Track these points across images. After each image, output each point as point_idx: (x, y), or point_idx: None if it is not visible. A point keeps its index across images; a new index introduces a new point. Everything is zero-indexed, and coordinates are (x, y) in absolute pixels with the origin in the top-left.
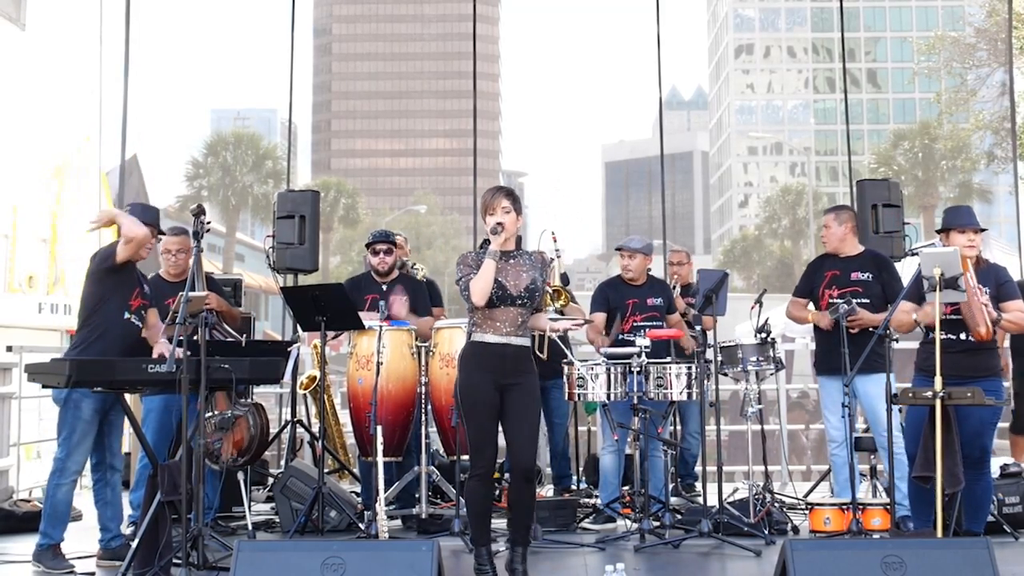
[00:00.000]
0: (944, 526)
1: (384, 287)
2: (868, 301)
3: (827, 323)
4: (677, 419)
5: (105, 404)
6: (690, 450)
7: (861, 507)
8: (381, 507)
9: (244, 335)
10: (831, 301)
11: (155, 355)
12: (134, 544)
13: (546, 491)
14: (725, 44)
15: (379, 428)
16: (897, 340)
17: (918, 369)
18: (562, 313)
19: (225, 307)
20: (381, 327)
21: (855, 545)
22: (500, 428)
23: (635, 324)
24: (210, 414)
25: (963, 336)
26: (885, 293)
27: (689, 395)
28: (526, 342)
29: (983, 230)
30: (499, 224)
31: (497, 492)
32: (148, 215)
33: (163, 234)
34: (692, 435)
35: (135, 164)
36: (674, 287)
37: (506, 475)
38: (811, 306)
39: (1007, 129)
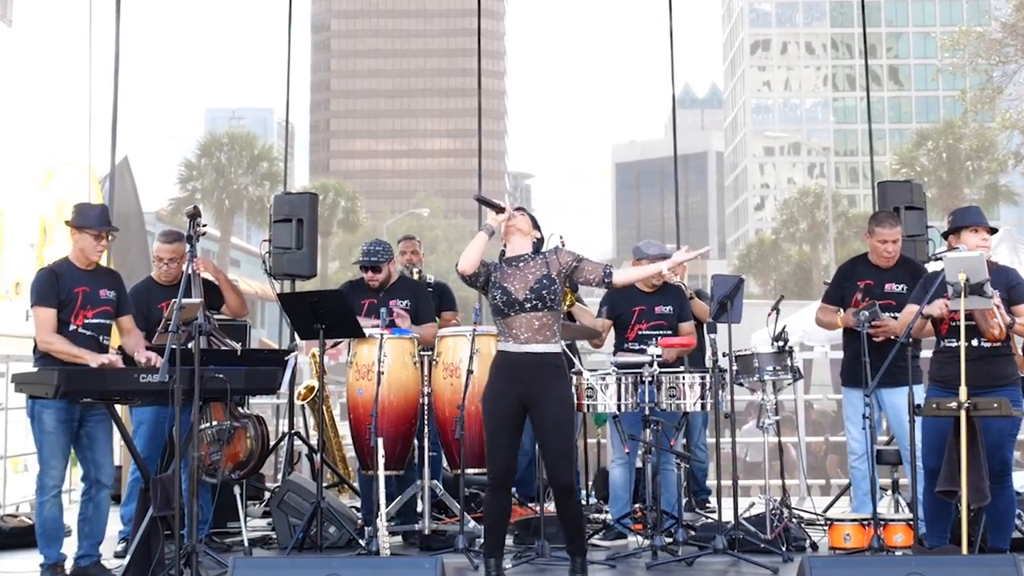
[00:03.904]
0: (969, 543)
1: (381, 293)
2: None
3: (854, 322)
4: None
5: (72, 415)
6: (700, 464)
7: (883, 523)
8: (382, 523)
9: (240, 343)
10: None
11: (139, 362)
12: (125, 561)
13: (554, 506)
14: (740, 40)
15: (380, 440)
16: (920, 351)
17: (932, 379)
18: (569, 314)
19: (227, 284)
20: (382, 335)
21: (876, 562)
22: (521, 439)
23: (640, 333)
24: (206, 425)
25: (975, 343)
26: None
27: (703, 406)
28: (551, 348)
29: (994, 230)
30: (500, 205)
31: None
32: (88, 218)
33: (114, 230)
34: (699, 447)
35: (126, 166)
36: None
37: (513, 490)
38: (841, 313)
39: None
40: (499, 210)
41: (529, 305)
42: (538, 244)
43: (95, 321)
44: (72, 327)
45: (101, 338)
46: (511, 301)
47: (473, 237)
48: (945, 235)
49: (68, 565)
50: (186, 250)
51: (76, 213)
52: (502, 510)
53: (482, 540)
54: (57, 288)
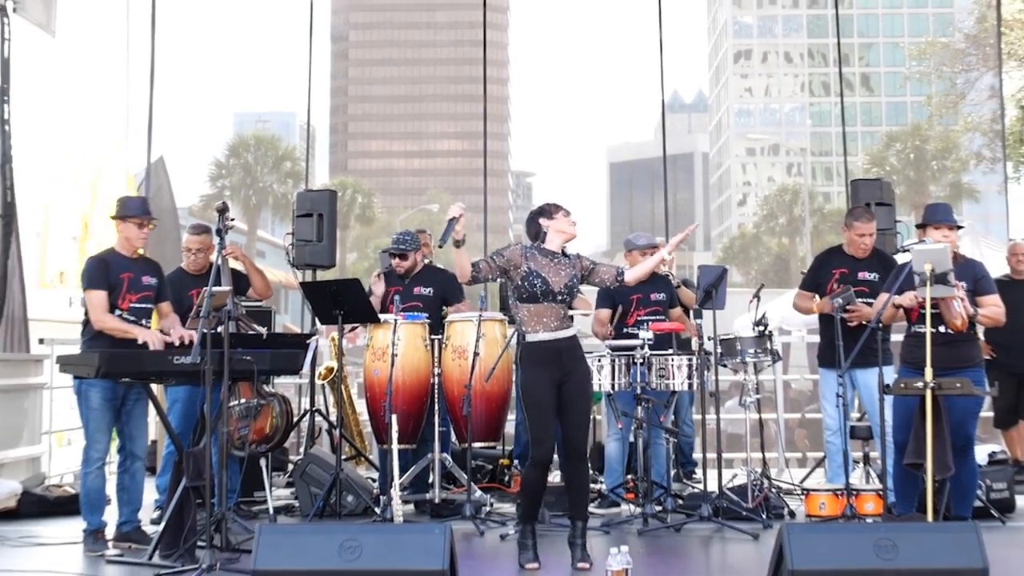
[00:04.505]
0: (934, 511)
1: (407, 281)
2: (873, 300)
3: (830, 307)
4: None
5: (116, 393)
6: (687, 438)
7: (855, 492)
8: (396, 492)
9: (265, 328)
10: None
11: (174, 339)
12: (160, 528)
13: (553, 477)
14: (724, 50)
15: (394, 417)
16: (890, 334)
17: (904, 361)
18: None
19: (253, 268)
20: (396, 320)
21: (849, 529)
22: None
23: (639, 318)
24: (235, 402)
25: (943, 328)
26: None
27: (690, 385)
28: (574, 332)
29: (959, 227)
30: (452, 219)
31: (507, 479)
32: (131, 208)
33: (155, 219)
34: (685, 423)
35: (161, 165)
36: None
37: (515, 462)
38: (817, 299)
39: (996, 131)
40: (457, 220)
41: (561, 298)
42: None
43: (138, 305)
44: (118, 311)
45: (143, 321)
46: (548, 291)
47: (482, 229)
48: (918, 227)
49: (109, 532)
50: (213, 242)
51: (119, 205)
52: (542, 484)
53: (520, 509)
54: (106, 273)
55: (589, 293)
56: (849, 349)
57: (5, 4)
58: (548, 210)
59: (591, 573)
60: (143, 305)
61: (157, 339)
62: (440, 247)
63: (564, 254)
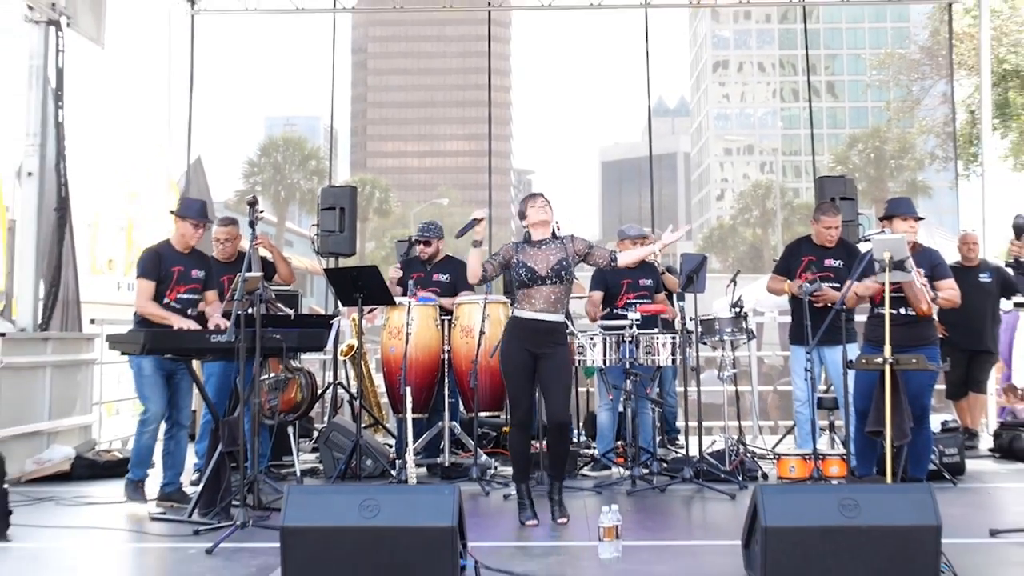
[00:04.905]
0: (892, 473)
1: (428, 268)
2: (838, 285)
3: (799, 291)
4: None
5: (164, 366)
6: (671, 408)
7: (821, 457)
8: (410, 457)
9: (293, 309)
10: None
11: (211, 326)
12: (199, 489)
13: (547, 440)
14: (704, 60)
15: (408, 389)
16: (854, 315)
17: (866, 339)
18: None
19: (279, 256)
20: (410, 303)
21: (816, 489)
22: (537, 387)
23: (628, 301)
24: (265, 376)
25: (903, 311)
26: None
27: (673, 361)
28: (559, 318)
29: (921, 218)
30: (475, 219)
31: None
32: (191, 210)
33: (210, 222)
34: (669, 395)
35: (200, 165)
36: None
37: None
38: (787, 282)
39: (948, 133)
40: (478, 222)
41: (550, 281)
42: (553, 229)
43: (185, 296)
44: (166, 300)
45: (189, 311)
46: (535, 277)
47: (486, 220)
48: (881, 219)
49: (151, 491)
50: (239, 232)
51: (181, 204)
52: (525, 444)
53: (512, 471)
54: (158, 266)
55: (583, 278)
56: (817, 328)
57: (59, 19)
58: (521, 210)
59: (578, 527)
60: (190, 296)
61: (190, 328)
62: (457, 238)
63: (555, 237)
